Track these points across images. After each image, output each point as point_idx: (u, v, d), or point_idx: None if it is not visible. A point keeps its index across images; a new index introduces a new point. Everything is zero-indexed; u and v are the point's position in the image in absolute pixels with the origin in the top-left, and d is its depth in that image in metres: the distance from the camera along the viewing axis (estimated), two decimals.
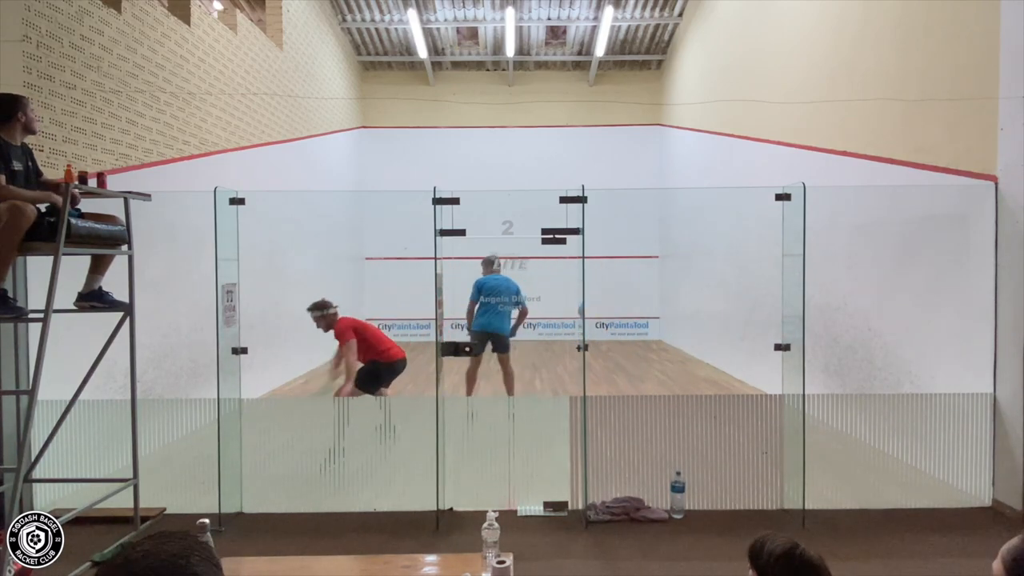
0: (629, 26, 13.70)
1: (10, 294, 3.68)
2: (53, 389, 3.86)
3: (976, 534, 4.07)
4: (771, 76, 8.64)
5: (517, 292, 7.55)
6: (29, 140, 3.82)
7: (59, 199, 3.58)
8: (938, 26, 5.34)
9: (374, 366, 6.18)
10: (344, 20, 13.33)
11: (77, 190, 3.70)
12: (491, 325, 7.38)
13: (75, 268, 3.97)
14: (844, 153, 6.72)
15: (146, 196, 4.23)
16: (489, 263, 7.56)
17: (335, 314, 6.14)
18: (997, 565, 1.55)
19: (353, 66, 14.42)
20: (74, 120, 5.36)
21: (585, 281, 4.50)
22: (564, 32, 14.02)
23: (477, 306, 7.46)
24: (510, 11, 12.38)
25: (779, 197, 4.47)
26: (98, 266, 4.04)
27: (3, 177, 3.50)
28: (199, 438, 4.56)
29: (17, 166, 3.63)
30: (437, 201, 4.37)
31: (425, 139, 14.94)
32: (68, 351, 4.21)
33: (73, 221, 3.62)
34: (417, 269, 12.22)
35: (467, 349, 5.20)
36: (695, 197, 12.28)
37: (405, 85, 15.04)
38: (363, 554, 3.71)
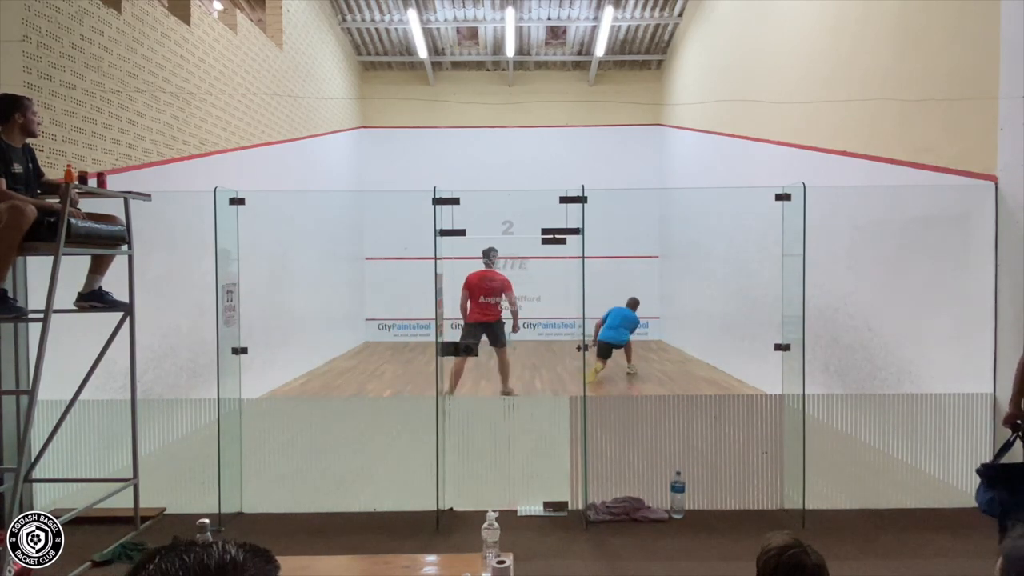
0: (629, 26, 13.70)
1: (10, 294, 3.68)
2: (53, 389, 3.86)
3: (976, 534, 4.06)
4: (771, 76, 8.64)
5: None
6: (29, 140, 3.81)
7: (59, 206, 3.57)
8: (938, 26, 5.34)
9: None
10: (344, 20, 13.33)
11: (77, 191, 3.70)
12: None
13: (75, 268, 3.97)
14: (844, 153, 6.72)
15: (146, 196, 4.23)
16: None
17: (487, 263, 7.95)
18: (1000, 562, 1.54)
19: (353, 66, 14.42)
20: (74, 120, 5.36)
21: (585, 281, 4.50)
22: (564, 32, 14.02)
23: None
24: (510, 11, 12.38)
25: (779, 197, 4.47)
26: (98, 266, 4.04)
27: (4, 181, 3.50)
28: (199, 438, 4.56)
29: (17, 168, 3.62)
30: (437, 201, 4.37)
31: (425, 139, 14.94)
32: (68, 351, 4.21)
33: (73, 221, 3.62)
34: (417, 269, 12.22)
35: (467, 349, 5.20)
36: (695, 197, 12.27)
37: (405, 85, 15.03)
38: (363, 554, 3.71)
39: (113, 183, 4.58)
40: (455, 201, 4.39)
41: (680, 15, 13.16)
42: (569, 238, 4.42)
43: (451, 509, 4.41)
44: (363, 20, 13.36)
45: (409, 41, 13.99)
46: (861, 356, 6.29)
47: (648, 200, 14.70)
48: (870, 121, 6.28)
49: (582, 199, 4.32)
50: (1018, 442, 3.25)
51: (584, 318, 4.62)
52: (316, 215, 11.34)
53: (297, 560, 2.68)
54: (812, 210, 4.34)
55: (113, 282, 4.12)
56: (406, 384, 9.74)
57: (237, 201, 4.40)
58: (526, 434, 4.81)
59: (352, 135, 14.17)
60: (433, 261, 4.54)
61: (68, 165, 3.98)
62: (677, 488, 4.37)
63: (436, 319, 4.73)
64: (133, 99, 6.19)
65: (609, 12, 12.55)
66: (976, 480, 3.48)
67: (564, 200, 4.37)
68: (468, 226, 4.49)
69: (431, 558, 3.03)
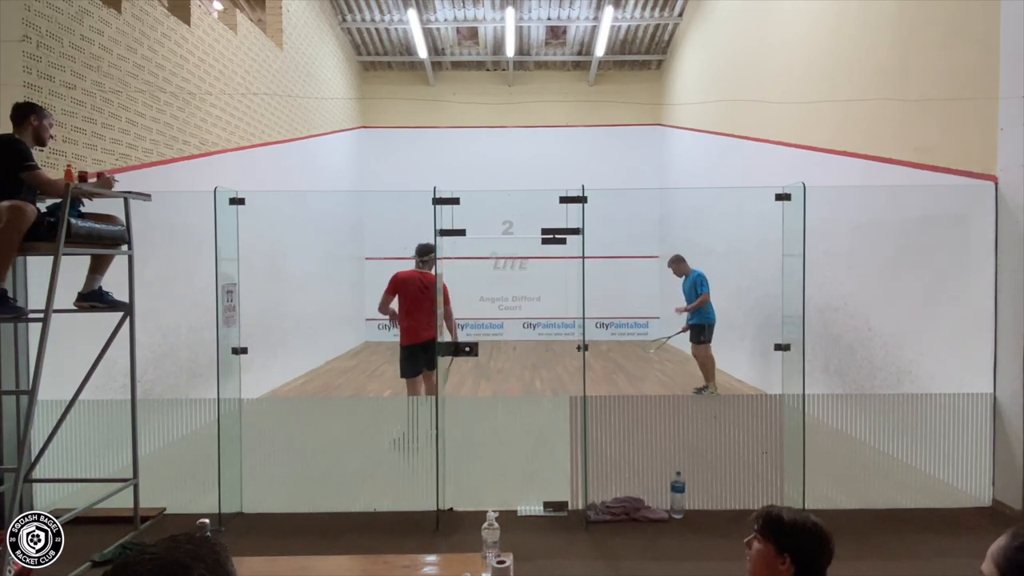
0: (629, 26, 13.70)
1: (10, 294, 3.68)
2: (53, 389, 3.86)
3: (976, 534, 4.07)
4: (771, 76, 8.64)
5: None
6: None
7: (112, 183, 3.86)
8: (938, 26, 5.34)
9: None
10: (344, 20, 13.34)
11: (79, 190, 3.71)
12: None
13: (75, 268, 3.97)
14: (844, 153, 6.72)
15: (146, 196, 4.23)
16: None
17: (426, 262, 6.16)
18: (989, 567, 1.49)
19: (353, 66, 14.42)
20: (74, 120, 5.36)
21: (585, 281, 4.50)
22: (564, 32, 14.02)
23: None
24: (510, 11, 12.38)
25: (779, 197, 4.47)
26: (98, 266, 4.05)
27: (41, 171, 3.58)
28: (199, 438, 4.55)
29: None
30: (437, 201, 4.37)
31: (425, 139, 14.94)
32: (68, 351, 4.21)
33: (73, 221, 3.63)
34: None
35: (467, 349, 5.19)
36: (695, 197, 12.27)
37: (405, 85, 15.04)
38: (363, 554, 3.71)
39: None
40: (455, 201, 4.39)
41: (680, 15, 13.16)
42: (569, 238, 4.42)
43: (451, 509, 4.41)
44: (363, 20, 13.37)
45: (409, 41, 13.99)
46: (861, 356, 6.29)
47: (648, 200, 14.71)
48: (870, 121, 6.28)
49: (582, 199, 4.32)
50: None
51: (584, 318, 4.61)
52: (316, 215, 11.34)
53: (297, 560, 2.68)
54: (812, 210, 4.34)
55: (113, 282, 4.12)
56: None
57: (237, 201, 4.40)
58: (526, 434, 4.81)
59: (352, 135, 14.18)
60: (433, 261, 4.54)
61: (68, 165, 3.99)
62: (677, 488, 4.37)
63: (436, 319, 4.73)
64: (133, 99, 6.19)
65: (609, 12, 12.55)
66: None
67: (564, 200, 4.37)
68: (468, 226, 4.48)
69: (431, 558, 3.03)
